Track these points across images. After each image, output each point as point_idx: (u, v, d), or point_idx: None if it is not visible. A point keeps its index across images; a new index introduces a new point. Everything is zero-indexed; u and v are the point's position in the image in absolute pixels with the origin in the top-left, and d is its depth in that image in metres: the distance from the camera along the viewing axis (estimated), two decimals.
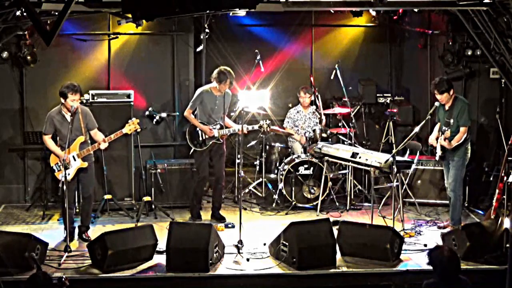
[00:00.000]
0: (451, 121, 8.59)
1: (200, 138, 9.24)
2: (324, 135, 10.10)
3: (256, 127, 9.34)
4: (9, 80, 10.14)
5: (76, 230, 8.67)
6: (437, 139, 8.77)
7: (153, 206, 9.62)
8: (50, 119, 8.44)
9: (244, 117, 10.16)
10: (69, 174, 8.24)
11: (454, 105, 8.64)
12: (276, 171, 10.20)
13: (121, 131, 8.62)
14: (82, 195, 8.73)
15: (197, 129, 9.23)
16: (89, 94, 9.60)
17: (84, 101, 9.43)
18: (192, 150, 9.38)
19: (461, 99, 8.78)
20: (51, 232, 8.85)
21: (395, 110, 10.82)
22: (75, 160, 8.38)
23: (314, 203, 9.76)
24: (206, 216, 9.53)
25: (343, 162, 9.64)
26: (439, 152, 8.71)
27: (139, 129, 8.82)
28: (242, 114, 10.20)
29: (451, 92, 8.63)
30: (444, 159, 8.78)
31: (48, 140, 8.49)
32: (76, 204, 9.15)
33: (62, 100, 8.36)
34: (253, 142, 10.81)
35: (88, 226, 8.72)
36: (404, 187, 9.65)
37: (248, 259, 7.90)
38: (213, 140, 9.21)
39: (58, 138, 8.50)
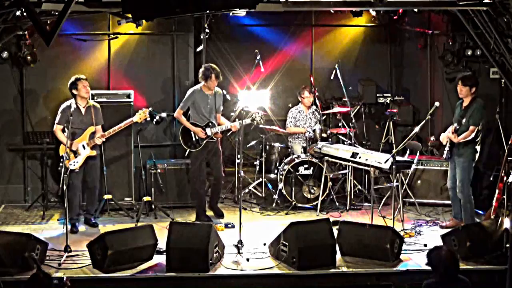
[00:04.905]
0: (464, 120, 8.67)
1: (194, 139, 9.22)
2: (324, 135, 10.10)
3: (248, 120, 9.32)
4: (9, 80, 10.13)
5: (81, 221, 9.05)
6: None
7: (153, 206, 9.61)
8: (64, 109, 8.78)
9: (244, 117, 10.14)
10: (77, 162, 8.72)
11: (471, 105, 8.71)
12: (276, 171, 10.19)
13: (131, 120, 9.03)
14: (87, 185, 8.99)
15: (189, 130, 9.24)
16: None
17: None
18: (187, 151, 9.37)
19: (479, 100, 8.81)
20: (51, 232, 8.86)
21: (395, 110, 10.80)
22: (84, 148, 8.77)
23: (314, 203, 9.76)
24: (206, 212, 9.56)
25: (343, 162, 9.64)
26: (447, 148, 8.75)
27: (148, 118, 9.16)
28: (242, 114, 10.19)
29: (473, 90, 8.70)
30: (450, 159, 8.80)
31: (59, 131, 8.82)
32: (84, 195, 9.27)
33: (75, 92, 8.78)
34: (253, 142, 10.80)
35: (92, 214, 9.07)
36: (404, 187, 9.65)
37: (248, 259, 7.90)
38: (207, 139, 9.21)
39: (67, 127, 8.70)
